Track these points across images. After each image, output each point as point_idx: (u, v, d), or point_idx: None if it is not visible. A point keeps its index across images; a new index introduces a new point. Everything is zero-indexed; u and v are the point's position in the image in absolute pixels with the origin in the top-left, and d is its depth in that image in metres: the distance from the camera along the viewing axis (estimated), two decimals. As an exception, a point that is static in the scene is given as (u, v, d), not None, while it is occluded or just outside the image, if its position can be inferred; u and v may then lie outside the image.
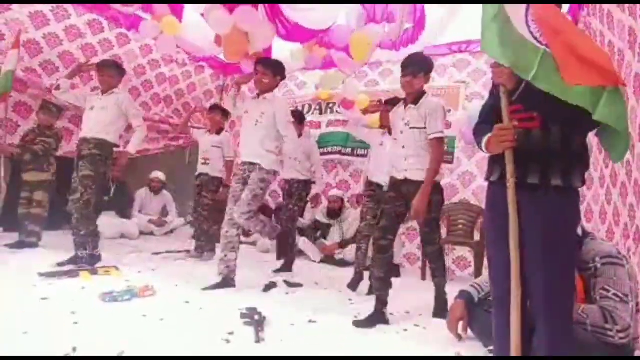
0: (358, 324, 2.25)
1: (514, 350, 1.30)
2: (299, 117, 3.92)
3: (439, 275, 2.61)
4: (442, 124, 2.43)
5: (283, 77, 3.14)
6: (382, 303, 2.37)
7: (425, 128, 2.43)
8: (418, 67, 2.44)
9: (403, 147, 2.50)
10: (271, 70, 3.00)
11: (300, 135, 3.83)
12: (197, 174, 4.19)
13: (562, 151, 1.32)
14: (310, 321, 2.21)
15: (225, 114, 4.18)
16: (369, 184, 3.44)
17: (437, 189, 2.49)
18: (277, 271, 3.65)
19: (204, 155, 4.13)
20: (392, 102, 3.37)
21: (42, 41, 4.04)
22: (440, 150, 2.47)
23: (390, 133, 3.37)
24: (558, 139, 1.33)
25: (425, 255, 2.48)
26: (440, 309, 2.50)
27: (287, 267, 3.74)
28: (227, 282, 2.88)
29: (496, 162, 1.46)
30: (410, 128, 2.46)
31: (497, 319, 1.45)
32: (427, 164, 2.41)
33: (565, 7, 2.88)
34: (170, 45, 4.23)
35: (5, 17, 3.73)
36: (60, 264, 3.00)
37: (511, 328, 1.30)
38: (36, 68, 4.05)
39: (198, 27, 4.02)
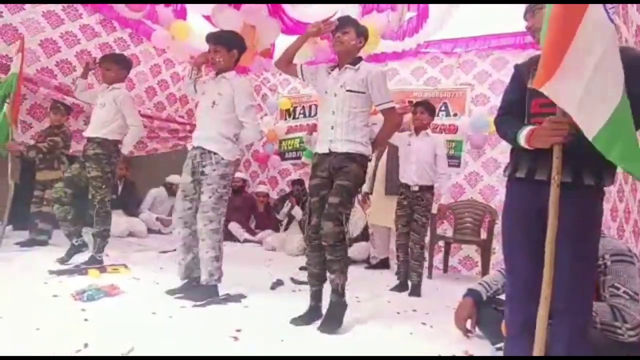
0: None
1: (537, 349, 1.25)
2: None
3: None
4: (390, 92, 2.24)
5: (241, 50, 2.67)
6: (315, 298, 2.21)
7: (363, 93, 2.17)
8: (358, 28, 2.23)
9: (333, 112, 2.18)
10: (224, 45, 2.58)
11: None
12: None
13: (594, 149, 1.22)
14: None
15: None
16: (401, 186, 3.33)
17: (362, 162, 2.18)
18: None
19: None
20: (423, 104, 3.37)
21: (59, 40, 4.06)
22: (396, 119, 2.26)
23: (417, 133, 3.36)
24: None
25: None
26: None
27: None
28: (190, 285, 2.56)
29: (523, 157, 1.39)
30: (347, 91, 2.16)
31: (512, 317, 1.42)
32: (359, 137, 2.16)
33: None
34: (184, 51, 4.29)
35: (20, 17, 3.74)
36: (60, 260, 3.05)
37: (537, 327, 1.24)
38: (52, 68, 4.06)
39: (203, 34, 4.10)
